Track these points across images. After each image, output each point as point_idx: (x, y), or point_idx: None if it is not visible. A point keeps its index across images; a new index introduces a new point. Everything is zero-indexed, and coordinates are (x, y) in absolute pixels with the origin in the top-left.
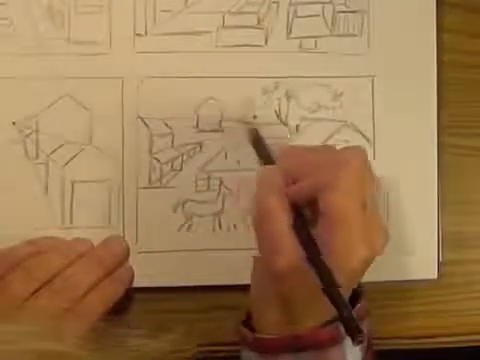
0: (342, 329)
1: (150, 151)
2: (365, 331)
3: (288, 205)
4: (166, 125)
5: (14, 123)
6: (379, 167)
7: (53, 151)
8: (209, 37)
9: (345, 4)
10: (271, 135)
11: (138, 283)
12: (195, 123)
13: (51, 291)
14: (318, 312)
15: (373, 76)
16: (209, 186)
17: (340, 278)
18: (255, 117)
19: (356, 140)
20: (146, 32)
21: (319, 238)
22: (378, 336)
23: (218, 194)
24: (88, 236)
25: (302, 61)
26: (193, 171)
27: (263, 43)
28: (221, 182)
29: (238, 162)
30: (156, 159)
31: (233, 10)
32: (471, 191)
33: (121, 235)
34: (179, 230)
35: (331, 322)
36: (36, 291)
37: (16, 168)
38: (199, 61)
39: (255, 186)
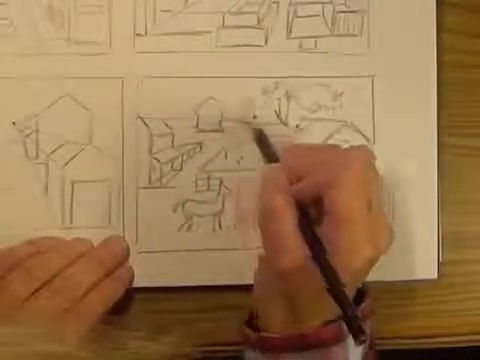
0: (345, 327)
1: (150, 151)
2: (367, 331)
3: (293, 204)
4: (166, 125)
5: (14, 123)
6: (379, 167)
7: (53, 151)
8: (209, 37)
9: (345, 4)
10: (271, 135)
11: (138, 283)
12: (195, 123)
13: (51, 291)
14: (323, 311)
15: (373, 76)
16: (209, 186)
17: (345, 277)
18: (255, 117)
19: (356, 140)
20: (146, 32)
21: (324, 237)
22: (378, 336)
23: (218, 194)
24: (88, 236)
25: (302, 61)
26: (193, 171)
27: (263, 43)
28: (221, 182)
29: (238, 162)
30: (156, 159)
31: (233, 10)
32: (471, 191)
33: (121, 235)
34: (179, 230)
35: (334, 320)
36: (36, 291)
37: (16, 168)
38: (199, 61)
39: (259, 185)
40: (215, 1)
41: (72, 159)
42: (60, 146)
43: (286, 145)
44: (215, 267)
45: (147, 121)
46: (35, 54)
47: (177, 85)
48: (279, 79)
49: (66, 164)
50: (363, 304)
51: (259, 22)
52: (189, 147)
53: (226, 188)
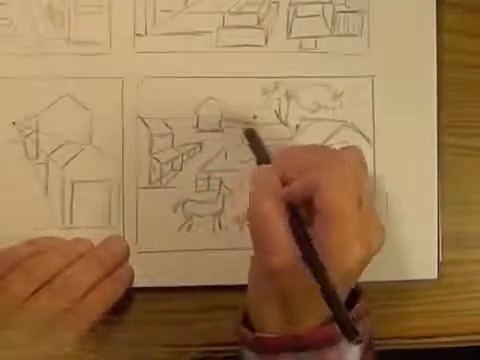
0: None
1: (150, 151)
2: (361, 332)
3: (283, 207)
4: (166, 125)
5: (14, 123)
6: (379, 167)
7: (53, 151)
8: (209, 37)
9: (345, 4)
10: (271, 135)
11: (138, 283)
12: (195, 123)
13: (51, 291)
14: (317, 311)
15: (373, 76)
16: (209, 186)
17: (336, 277)
18: (255, 117)
19: (356, 140)
20: (146, 32)
21: (315, 238)
22: (378, 336)
23: (218, 194)
24: (88, 236)
25: (302, 61)
26: (193, 171)
27: (263, 43)
28: (221, 182)
29: (238, 162)
30: (156, 159)
31: (233, 10)
32: (471, 191)
33: (121, 235)
34: (179, 230)
35: (330, 321)
36: (36, 291)
37: (16, 168)
38: (199, 61)
39: (250, 186)
40: (215, 1)
41: (72, 159)
42: (60, 146)
43: (280, 147)
44: (215, 267)
45: (147, 121)
46: (35, 54)
47: (177, 85)
48: (279, 79)
49: (66, 164)
50: (358, 305)
51: (259, 22)
52: (189, 147)
53: (226, 188)
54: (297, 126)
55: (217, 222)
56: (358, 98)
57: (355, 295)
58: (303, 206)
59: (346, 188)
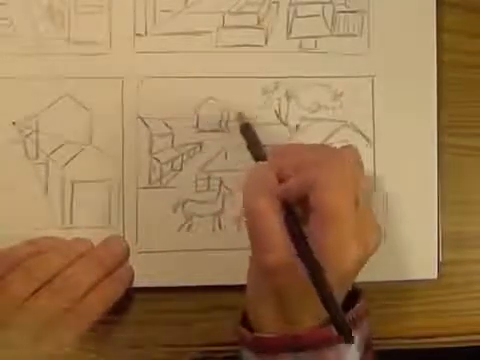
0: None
1: (150, 151)
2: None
3: (278, 205)
4: (166, 125)
5: (14, 123)
6: (379, 167)
7: (53, 151)
8: (209, 37)
9: (345, 4)
10: (271, 135)
11: (138, 283)
12: (195, 123)
13: (51, 291)
14: (314, 311)
15: (373, 76)
16: (209, 186)
17: (332, 277)
18: (255, 117)
19: (356, 140)
20: (146, 32)
21: (311, 236)
22: (378, 336)
23: (218, 194)
24: (88, 236)
25: (302, 61)
26: (193, 171)
27: (263, 43)
28: (221, 182)
29: (238, 162)
30: (156, 159)
31: (233, 10)
32: (471, 191)
33: (121, 235)
34: (179, 230)
35: (329, 322)
36: (36, 291)
37: (16, 168)
38: (199, 61)
39: (246, 183)
40: (215, 1)
41: (72, 159)
42: (60, 146)
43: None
44: (215, 267)
45: (147, 121)
46: (35, 54)
47: (177, 85)
48: (279, 79)
49: (66, 164)
50: (358, 305)
51: (259, 22)
52: (189, 147)
53: (226, 188)
54: (297, 126)
55: (217, 222)
56: (358, 98)
57: (355, 295)
58: (298, 204)
59: (343, 187)
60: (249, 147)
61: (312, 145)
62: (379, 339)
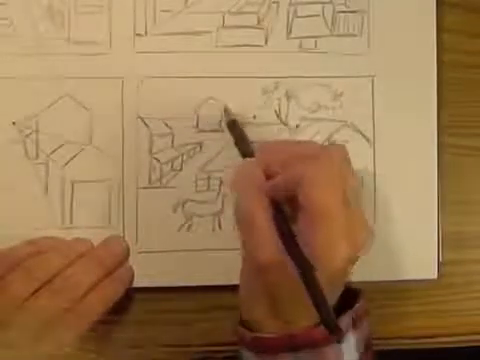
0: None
1: (150, 151)
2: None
3: (267, 201)
4: (166, 125)
5: (14, 123)
6: (379, 167)
7: (53, 151)
8: (209, 37)
9: (345, 4)
10: (271, 135)
11: (138, 283)
12: (195, 123)
13: (51, 291)
14: (309, 310)
15: (373, 76)
16: (209, 186)
17: (322, 276)
18: (255, 117)
19: (356, 140)
20: (146, 32)
21: (300, 234)
22: (378, 336)
23: (218, 194)
24: (88, 236)
25: (302, 61)
26: (193, 171)
27: (263, 43)
28: (221, 182)
29: (238, 162)
30: (156, 159)
31: (233, 10)
32: (471, 191)
33: (121, 235)
34: (179, 230)
35: None
36: (36, 291)
37: (16, 168)
38: (199, 61)
39: (233, 180)
40: (215, 1)
41: (72, 159)
42: (60, 146)
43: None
44: (215, 267)
45: (147, 121)
46: (35, 54)
47: (177, 85)
48: (279, 79)
49: (66, 164)
50: (357, 305)
51: (259, 22)
52: (189, 147)
53: (226, 188)
54: (297, 126)
55: (217, 222)
56: (358, 98)
57: (355, 295)
58: (287, 203)
59: (331, 184)
60: (236, 143)
61: (299, 141)
62: (379, 339)
